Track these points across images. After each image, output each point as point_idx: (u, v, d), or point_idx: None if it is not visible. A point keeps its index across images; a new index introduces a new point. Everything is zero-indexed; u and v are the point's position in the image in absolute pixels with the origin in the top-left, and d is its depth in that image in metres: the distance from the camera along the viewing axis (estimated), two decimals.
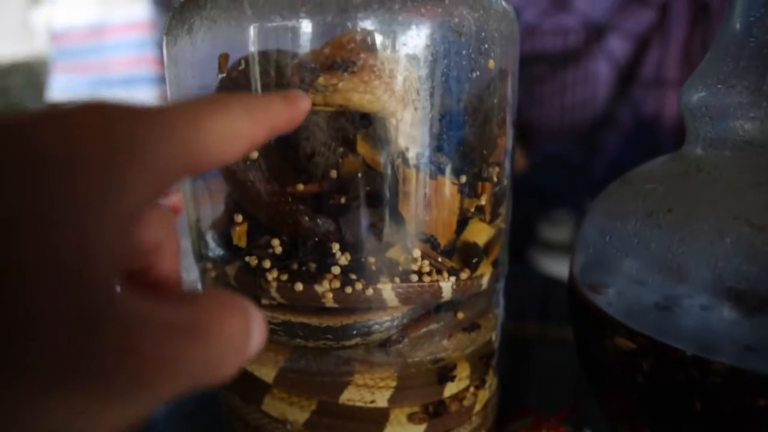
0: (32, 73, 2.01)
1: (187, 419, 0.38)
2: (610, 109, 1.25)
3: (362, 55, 0.20)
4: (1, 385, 0.09)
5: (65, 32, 1.76)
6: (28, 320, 0.09)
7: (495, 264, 0.26)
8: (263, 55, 0.21)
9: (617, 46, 1.18)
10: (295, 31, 0.20)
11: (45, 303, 0.09)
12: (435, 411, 0.25)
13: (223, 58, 0.22)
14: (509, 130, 0.26)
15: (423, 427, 0.25)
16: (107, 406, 0.10)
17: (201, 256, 0.27)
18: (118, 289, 0.10)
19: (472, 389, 0.27)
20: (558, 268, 0.78)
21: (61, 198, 0.09)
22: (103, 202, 0.10)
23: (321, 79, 0.20)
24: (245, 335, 0.12)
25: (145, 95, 1.73)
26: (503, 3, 0.24)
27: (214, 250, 0.26)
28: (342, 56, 0.20)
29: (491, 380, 0.28)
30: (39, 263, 0.09)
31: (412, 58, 0.21)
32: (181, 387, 0.11)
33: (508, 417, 0.32)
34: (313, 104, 0.20)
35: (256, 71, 0.21)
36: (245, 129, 0.13)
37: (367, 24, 0.20)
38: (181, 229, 0.21)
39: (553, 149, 1.25)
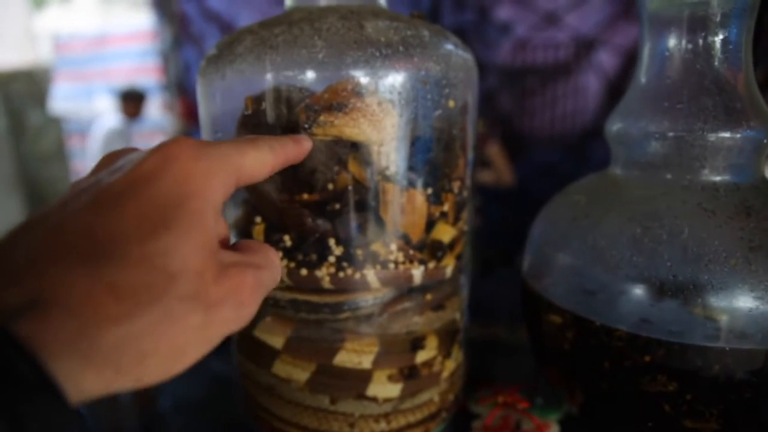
0: (34, 80, 2.10)
1: (197, 407, 0.44)
2: (599, 120, 1.32)
3: (352, 100, 0.28)
4: (155, 311, 0.16)
5: (68, 41, 1.86)
6: (180, 271, 0.16)
7: (459, 257, 0.34)
8: (277, 93, 0.29)
9: (606, 59, 1.26)
10: (302, 81, 0.29)
11: (191, 259, 0.17)
12: (409, 374, 0.33)
13: (249, 100, 0.30)
14: (469, 152, 0.34)
15: (399, 386, 0.33)
16: (216, 323, 0.18)
17: None
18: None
19: (440, 358, 0.35)
20: None
21: (185, 196, 0.17)
22: (208, 197, 0.18)
23: (322, 117, 0.28)
24: (279, 261, 0.21)
25: (146, 103, 1.82)
26: (463, 54, 0.33)
27: None
28: (337, 100, 0.28)
29: (457, 353, 0.36)
30: (187, 233, 0.17)
31: (390, 101, 0.29)
32: (261, 299, 0.19)
33: (474, 387, 0.40)
34: (316, 135, 0.29)
35: (272, 110, 0.29)
36: (269, 159, 0.22)
37: (356, 76, 0.28)
38: None
39: (543, 159, 1.33)
